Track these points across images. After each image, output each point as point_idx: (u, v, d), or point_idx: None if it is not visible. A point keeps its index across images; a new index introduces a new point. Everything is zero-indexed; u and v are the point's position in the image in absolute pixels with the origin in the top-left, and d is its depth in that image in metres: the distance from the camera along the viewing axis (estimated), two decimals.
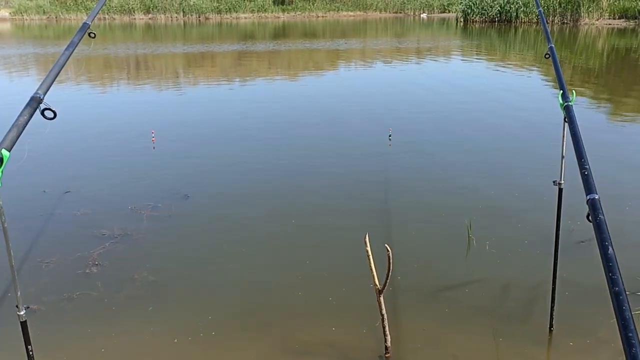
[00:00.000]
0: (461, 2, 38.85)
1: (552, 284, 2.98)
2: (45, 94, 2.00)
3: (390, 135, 6.96)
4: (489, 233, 4.24)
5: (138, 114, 9.03)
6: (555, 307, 3.01)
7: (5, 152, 1.70)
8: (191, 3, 46.12)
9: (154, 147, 6.73)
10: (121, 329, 3.11)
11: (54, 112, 1.95)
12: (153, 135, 6.97)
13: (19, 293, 1.96)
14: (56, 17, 44.22)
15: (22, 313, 1.99)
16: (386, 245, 2.63)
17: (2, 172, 1.68)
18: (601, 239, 1.23)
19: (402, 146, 6.78)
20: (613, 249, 1.18)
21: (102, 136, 7.46)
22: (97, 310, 3.28)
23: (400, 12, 50.43)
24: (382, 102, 9.92)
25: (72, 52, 2.33)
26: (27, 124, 1.86)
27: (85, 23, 2.56)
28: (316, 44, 22.05)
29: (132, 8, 44.95)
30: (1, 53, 19.02)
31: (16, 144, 1.79)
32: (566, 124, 2.42)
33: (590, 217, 1.37)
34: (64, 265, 3.81)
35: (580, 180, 1.55)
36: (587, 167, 1.61)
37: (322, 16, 48.98)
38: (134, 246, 4.10)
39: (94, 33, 2.57)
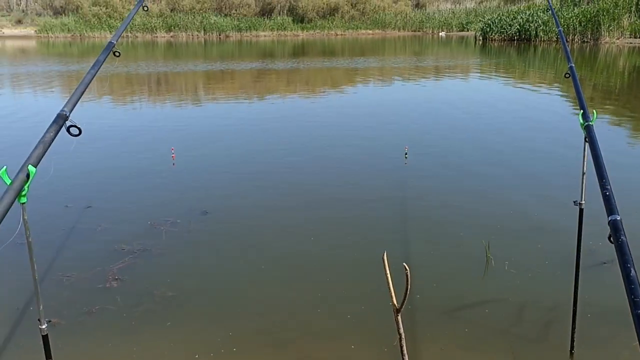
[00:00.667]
0: (480, 21, 38.96)
1: (573, 306, 2.93)
2: (71, 111, 2.05)
3: (406, 153, 6.96)
4: (507, 253, 4.20)
5: (159, 130, 9.15)
6: (576, 329, 2.96)
7: (31, 168, 1.73)
8: (212, 21, 46.87)
9: (173, 164, 6.80)
10: (141, 344, 3.13)
11: (79, 129, 1.99)
12: (173, 152, 7.05)
13: (41, 307, 1.98)
14: (80, 35, 45.19)
15: (44, 327, 2.01)
16: (404, 264, 2.62)
17: (28, 187, 1.72)
18: (623, 261, 1.22)
19: (419, 164, 6.77)
20: (635, 271, 1.17)
21: (123, 152, 7.58)
22: (117, 325, 3.30)
23: (419, 31, 50.63)
24: (398, 120, 9.94)
25: (97, 71, 2.38)
26: (53, 140, 1.90)
27: (110, 42, 2.62)
28: (335, 62, 22.21)
29: (155, 26, 45.82)
30: (26, 70, 19.46)
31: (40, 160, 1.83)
32: (587, 144, 2.41)
33: (612, 238, 1.35)
34: (84, 279, 3.85)
35: (602, 201, 1.54)
36: (609, 187, 1.59)
37: (341, 34, 49.36)
38: (153, 261, 4.14)
39: (118, 52, 2.63)
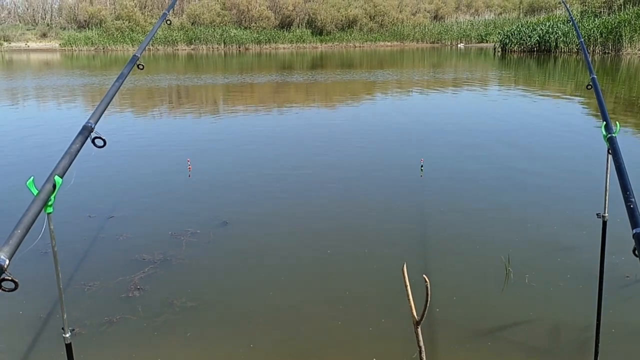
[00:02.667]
0: (499, 32, 38.81)
1: (597, 320, 2.88)
2: (96, 123, 2.09)
3: (422, 166, 6.91)
4: (528, 266, 4.14)
5: (178, 142, 9.24)
6: (599, 345, 2.90)
7: (57, 179, 1.76)
8: (232, 34, 47.43)
9: (189, 175, 6.85)
10: (162, 354, 3.14)
11: (104, 140, 2.03)
12: (189, 163, 7.11)
13: (65, 316, 2.00)
14: (103, 48, 46.02)
15: (67, 335, 2.03)
16: (424, 275, 2.61)
17: (54, 197, 1.75)
18: None
19: (436, 177, 6.72)
20: None
21: (143, 164, 7.67)
22: (138, 335, 3.33)
23: (438, 42, 50.63)
24: (414, 133, 9.92)
25: (122, 83, 2.43)
26: (79, 151, 1.94)
27: (134, 55, 2.66)
28: (353, 75, 22.28)
29: (176, 39, 46.48)
30: (50, 83, 19.82)
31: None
32: (610, 156, 2.38)
33: (636, 252, 1.34)
34: (106, 288, 3.90)
35: (626, 213, 1.52)
36: (633, 199, 1.57)
37: (360, 46, 49.55)
38: (174, 271, 4.17)
39: (142, 65, 2.67)
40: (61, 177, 1.79)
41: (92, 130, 2.04)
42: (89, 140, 2.03)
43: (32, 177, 1.64)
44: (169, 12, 3.42)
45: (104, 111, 2.19)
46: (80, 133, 2.00)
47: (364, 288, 3.92)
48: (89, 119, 2.06)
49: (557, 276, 4.01)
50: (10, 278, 1.31)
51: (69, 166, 1.86)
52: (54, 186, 1.73)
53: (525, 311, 3.56)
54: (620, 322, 3.35)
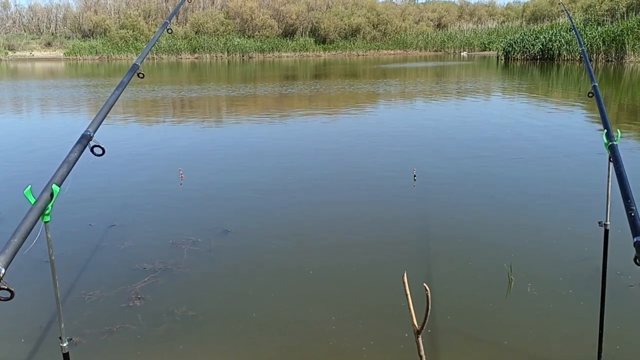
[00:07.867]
0: (502, 40, 38.90)
1: (599, 329, 2.86)
2: (95, 131, 2.08)
3: (415, 176, 6.87)
4: (530, 274, 4.12)
5: (180, 150, 9.25)
6: (602, 355, 2.88)
7: (55, 188, 1.76)
8: (235, 43, 47.63)
9: (181, 184, 6.84)
10: None
11: (102, 149, 2.02)
12: (181, 172, 7.11)
13: (62, 325, 1.99)
14: (107, 57, 46.25)
15: (64, 345, 2.02)
16: (424, 284, 2.59)
17: (52, 206, 1.74)
18: None
19: (435, 186, 6.70)
20: None
21: (145, 172, 7.67)
22: (138, 344, 3.31)
23: (441, 51, 50.76)
24: (411, 141, 9.91)
25: (121, 92, 2.42)
26: (77, 160, 1.93)
27: (135, 64, 2.67)
28: (356, 85, 22.31)
29: (180, 48, 46.72)
30: (53, 91, 19.90)
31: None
32: (611, 164, 2.37)
33: (638, 260, 1.33)
34: (107, 297, 3.88)
35: (627, 222, 1.51)
36: (634, 208, 1.56)
37: (363, 55, 49.69)
38: (175, 280, 4.15)
39: (142, 73, 2.67)
40: (59, 186, 1.78)
41: (90, 138, 2.03)
42: (87, 148, 2.02)
43: (29, 186, 1.63)
44: (170, 21, 3.43)
45: (103, 119, 2.18)
46: (78, 141, 1.99)
47: (364, 297, 3.90)
48: (88, 127, 2.05)
49: (560, 285, 3.98)
50: (6, 287, 1.30)
51: (67, 175, 1.85)
52: (52, 195, 1.73)
53: (527, 320, 3.53)
54: (623, 331, 3.32)
